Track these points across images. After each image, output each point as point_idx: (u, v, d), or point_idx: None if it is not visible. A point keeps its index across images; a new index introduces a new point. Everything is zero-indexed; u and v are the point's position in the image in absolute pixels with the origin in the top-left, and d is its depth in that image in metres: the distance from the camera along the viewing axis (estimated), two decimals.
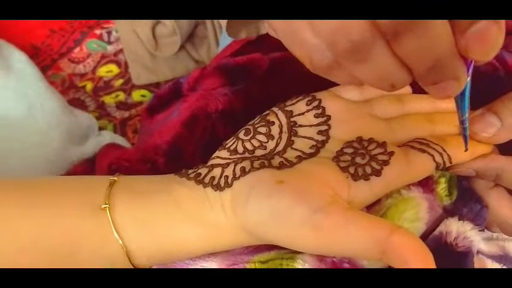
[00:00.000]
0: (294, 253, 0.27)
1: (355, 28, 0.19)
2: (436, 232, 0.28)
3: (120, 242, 0.24)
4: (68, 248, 0.24)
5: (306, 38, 0.21)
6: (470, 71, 0.21)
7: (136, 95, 0.61)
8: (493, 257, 0.32)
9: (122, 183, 0.26)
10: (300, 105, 0.29)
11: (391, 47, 0.19)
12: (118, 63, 0.62)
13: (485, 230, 0.31)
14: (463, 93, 0.23)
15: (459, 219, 0.29)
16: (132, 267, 0.25)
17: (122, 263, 0.25)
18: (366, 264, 0.26)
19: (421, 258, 0.21)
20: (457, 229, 0.28)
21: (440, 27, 0.18)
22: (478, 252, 0.31)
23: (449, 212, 0.29)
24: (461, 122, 0.26)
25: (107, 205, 0.24)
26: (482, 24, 0.18)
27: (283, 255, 0.27)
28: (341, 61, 0.21)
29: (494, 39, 0.18)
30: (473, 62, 0.21)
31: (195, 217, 0.25)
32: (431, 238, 0.28)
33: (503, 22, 0.19)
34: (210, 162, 0.28)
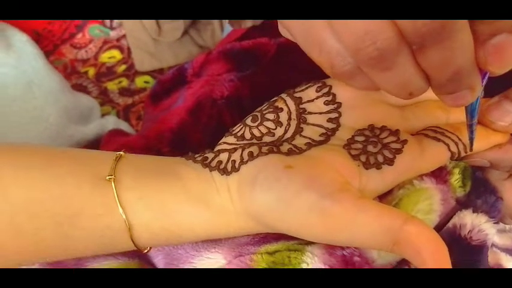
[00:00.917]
0: (302, 244, 0.26)
1: (382, 35, 0.18)
2: (450, 224, 0.27)
3: (124, 215, 0.24)
4: (65, 213, 0.23)
5: (327, 42, 0.20)
6: (484, 81, 0.21)
7: (139, 81, 0.60)
8: (506, 250, 0.31)
9: (129, 159, 0.26)
10: (309, 92, 0.28)
11: (415, 57, 0.19)
12: (121, 49, 0.61)
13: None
14: (474, 101, 0.24)
15: (473, 212, 0.28)
16: (132, 245, 0.25)
17: (123, 240, 0.24)
18: (376, 256, 0.25)
19: (435, 249, 0.20)
20: (472, 222, 0.27)
21: (465, 38, 0.18)
22: (492, 245, 0.30)
23: (462, 204, 0.28)
24: (469, 126, 0.26)
25: (112, 176, 0.24)
26: (501, 37, 0.18)
27: (290, 246, 0.27)
28: (364, 68, 0.20)
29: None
30: (488, 73, 0.21)
31: (201, 200, 0.24)
32: (444, 231, 0.27)
33: None
34: (216, 148, 0.27)
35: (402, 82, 0.20)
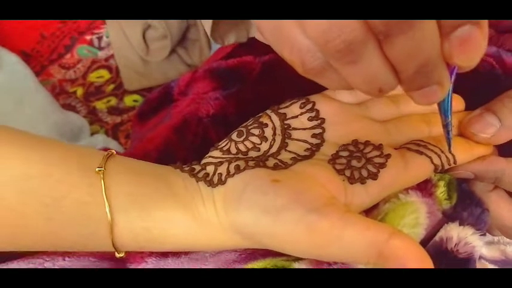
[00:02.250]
0: (290, 261, 0.26)
1: (348, 27, 0.18)
2: (437, 238, 0.27)
3: (108, 207, 0.23)
4: (52, 195, 0.24)
5: (296, 39, 0.20)
6: (453, 77, 0.21)
7: (128, 100, 0.60)
8: (495, 262, 0.31)
9: (119, 157, 0.26)
10: (293, 108, 0.29)
11: (382, 48, 0.19)
12: (109, 69, 0.61)
13: (486, 233, 0.30)
14: (446, 99, 0.24)
15: (460, 224, 0.28)
16: (111, 246, 0.24)
17: (103, 235, 0.24)
18: None
19: (420, 264, 0.20)
20: (458, 234, 0.27)
21: (430, 28, 0.18)
22: (480, 257, 0.30)
23: (449, 217, 0.28)
24: (445, 126, 0.26)
25: (102, 168, 0.24)
26: (465, 28, 0.18)
27: (277, 263, 0.26)
28: (333, 62, 0.20)
29: (477, 43, 0.18)
30: (456, 68, 0.21)
31: (186, 206, 0.24)
32: (431, 245, 0.27)
33: (486, 28, 0.18)
34: (202, 161, 0.27)
35: (370, 76, 0.20)
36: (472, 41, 0.18)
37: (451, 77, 0.21)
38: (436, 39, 0.19)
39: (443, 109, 0.25)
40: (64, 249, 0.26)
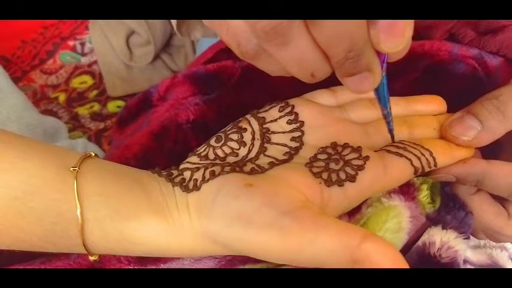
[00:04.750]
0: (270, 268, 0.26)
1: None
2: (419, 243, 0.27)
3: (78, 205, 0.23)
4: (23, 189, 0.23)
5: (232, 21, 0.21)
6: (385, 66, 0.22)
7: (112, 106, 0.59)
8: (481, 266, 0.31)
9: (96, 159, 0.26)
10: (272, 112, 0.28)
11: (309, 31, 0.20)
12: (92, 74, 0.61)
13: (471, 237, 0.30)
14: (381, 88, 0.24)
15: (443, 228, 0.27)
16: (82, 246, 0.24)
17: (73, 235, 0.24)
18: None
19: (394, 266, 0.20)
20: (441, 239, 0.27)
21: None
22: (466, 261, 0.29)
23: (432, 221, 0.28)
24: (384, 116, 0.26)
25: (77, 168, 0.24)
26: None
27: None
28: (264, 45, 0.21)
29: (402, 30, 0.19)
30: (386, 56, 0.22)
31: (159, 210, 0.24)
32: (414, 249, 0.27)
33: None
34: (180, 167, 0.27)
35: (301, 59, 0.21)
36: (396, 28, 0.19)
37: (382, 65, 0.21)
38: (361, 24, 0.19)
39: (381, 98, 0.25)
40: (33, 247, 0.25)
